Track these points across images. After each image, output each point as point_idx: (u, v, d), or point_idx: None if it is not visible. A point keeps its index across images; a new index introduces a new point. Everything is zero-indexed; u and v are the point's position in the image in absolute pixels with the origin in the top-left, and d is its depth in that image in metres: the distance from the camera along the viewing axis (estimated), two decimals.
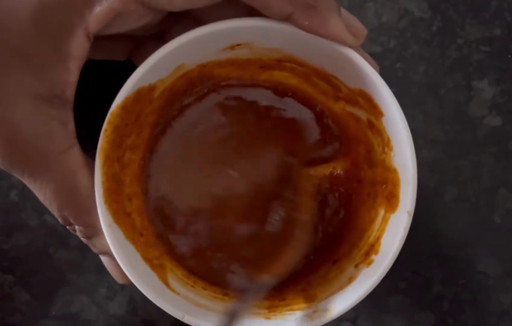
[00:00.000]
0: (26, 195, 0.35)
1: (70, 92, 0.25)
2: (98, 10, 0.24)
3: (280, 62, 0.29)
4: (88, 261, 0.35)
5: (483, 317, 0.34)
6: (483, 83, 0.36)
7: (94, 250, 0.28)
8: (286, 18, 0.25)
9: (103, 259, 0.29)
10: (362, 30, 0.27)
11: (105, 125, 0.26)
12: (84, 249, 0.35)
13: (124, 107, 0.26)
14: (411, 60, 0.36)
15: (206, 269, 0.30)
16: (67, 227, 0.27)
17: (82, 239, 0.28)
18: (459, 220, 0.35)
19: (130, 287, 0.35)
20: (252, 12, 0.26)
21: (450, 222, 0.35)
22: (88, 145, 0.28)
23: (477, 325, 0.34)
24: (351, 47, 0.26)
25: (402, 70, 0.36)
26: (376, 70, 0.27)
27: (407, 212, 0.26)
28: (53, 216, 0.35)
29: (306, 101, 0.30)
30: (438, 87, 0.36)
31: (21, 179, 0.26)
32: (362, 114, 0.29)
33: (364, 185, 0.30)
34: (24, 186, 0.35)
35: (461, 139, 0.35)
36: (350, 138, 0.31)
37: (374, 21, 0.36)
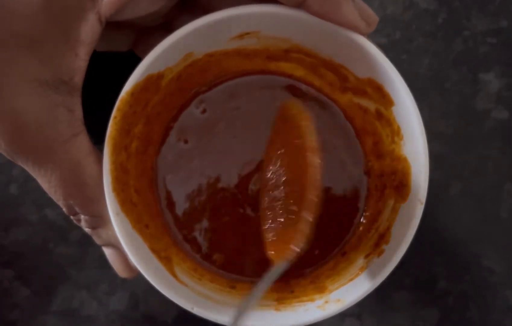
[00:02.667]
0: (26, 189, 0.35)
1: (78, 78, 0.25)
2: None
3: (287, 53, 0.28)
4: (88, 256, 0.35)
5: (488, 314, 0.34)
6: (490, 76, 0.35)
7: (98, 241, 0.28)
8: (299, 4, 0.25)
9: (107, 251, 0.28)
10: (374, 17, 0.27)
11: (114, 112, 0.26)
12: (84, 244, 0.35)
13: (133, 94, 0.26)
14: (416, 52, 0.36)
15: (223, 260, 0.30)
16: (71, 217, 0.27)
17: (86, 229, 0.27)
18: (465, 215, 0.35)
19: (130, 282, 0.34)
20: (263, 0, 0.26)
21: (456, 217, 0.35)
22: (90, 137, 0.28)
23: (482, 321, 0.34)
24: (362, 34, 0.26)
25: (407, 62, 0.36)
26: None
27: (419, 200, 0.26)
28: (53, 210, 0.35)
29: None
30: (443, 80, 0.35)
31: (25, 167, 0.25)
32: (370, 105, 0.28)
33: (371, 178, 0.30)
34: (24, 180, 0.35)
35: (467, 133, 0.35)
36: (356, 131, 0.30)
37: (379, 12, 0.36)
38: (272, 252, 0.26)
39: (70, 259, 0.35)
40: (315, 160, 0.25)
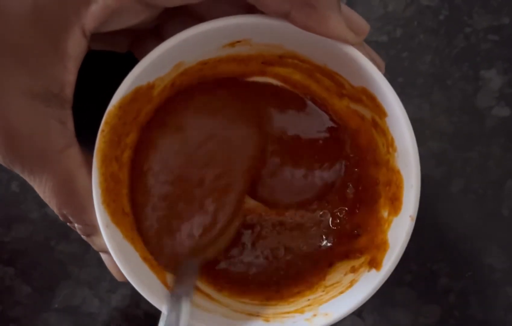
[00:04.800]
0: (27, 187, 0.35)
1: (68, 91, 0.25)
2: (94, 8, 0.24)
3: (282, 58, 0.28)
4: (90, 253, 0.35)
5: (490, 311, 0.34)
6: (491, 73, 0.35)
7: (94, 247, 0.28)
8: (284, 16, 0.25)
9: (103, 256, 0.29)
10: (364, 26, 0.26)
11: (102, 126, 0.26)
12: (85, 241, 0.35)
13: (121, 107, 0.26)
14: (418, 49, 0.35)
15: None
16: (68, 223, 0.27)
17: (82, 236, 0.27)
18: (466, 212, 0.34)
19: None
20: (251, 9, 0.26)
21: (457, 214, 0.34)
22: (90, 136, 0.28)
23: (484, 318, 0.34)
24: (352, 44, 0.25)
25: (408, 60, 0.35)
26: (382, 66, 0.26)
27: (410, 216, 0.25)
28: None
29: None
30: (445, 77, 0.35)
31: (21, 175, 0.25)
32: (367, 113, 0.28)
33: (362, 187, 0.29)
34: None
35: (469, 130, 0.35)
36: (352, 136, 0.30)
37: (380, 9, 0.36)
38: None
39: (72, 256, 0.35)
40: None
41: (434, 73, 0.35)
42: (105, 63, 0.31)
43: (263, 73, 0.30)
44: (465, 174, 0.35)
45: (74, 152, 0.25)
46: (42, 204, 0.35)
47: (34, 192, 0.35)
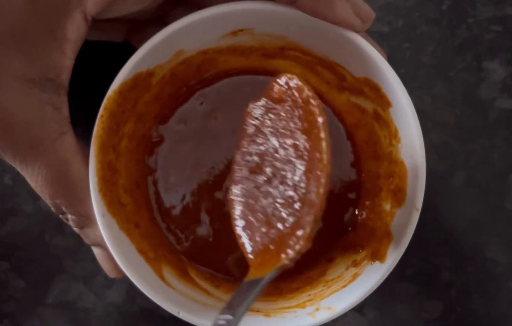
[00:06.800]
0: (21, 179, 0.34)
1: (65, 76, 0.25)
2: None
3: (283, 50, 0.28)
4: (85, 247, 0.34)
5: (492, 305, 0.33)
6: (494, 64, 0.35)
7: (86, 240, 0.27)
8: (290, 2, 0.25)
9: (95, 250, 0.28)
10: (370, 13, 0.26)
11: (101, 111, 0.25)
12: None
13: (121, 92, 0.25)
14: (420, 40, 0.35)
15: (208, 258, 0.29)
16: (60, 215, 0.26)
17: (74, 228, 0.27)
18: (469, 206, 0.34)
19: None
20: None
21: (459, 208, 0.34)
22: (85, 129, 0.27)
23: (486, 313, 0.33)
24: (358, 31, 0.25)
25: (410, 51, 0.35)
26: (384, 57, 0.26)
27: (415, 206, 0.25)
28: None
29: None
30: (447, 69, 0.35)
31: (13, 164, 0.25)
32: (368, 105, 0.28)
33: (364, 183, 0.29)
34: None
35: (471, 122, 0.34)
36: (351, 133, 0.30)
37: (381, 0, 0.35)
38: (258, 261, 0.24)
39: (67, 251, 0.34)
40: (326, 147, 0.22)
41: (436, 64, 0.35)
42: (101, 54, 0.31)
43: (262, 66, 0.29)
44: (467, 167, 0.34)
45: (69, 139, 0.25)
46: (36, 197, 0.34)
47: (28, 184, 0.34)
